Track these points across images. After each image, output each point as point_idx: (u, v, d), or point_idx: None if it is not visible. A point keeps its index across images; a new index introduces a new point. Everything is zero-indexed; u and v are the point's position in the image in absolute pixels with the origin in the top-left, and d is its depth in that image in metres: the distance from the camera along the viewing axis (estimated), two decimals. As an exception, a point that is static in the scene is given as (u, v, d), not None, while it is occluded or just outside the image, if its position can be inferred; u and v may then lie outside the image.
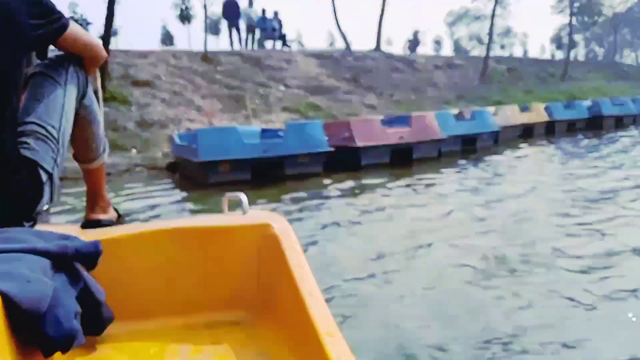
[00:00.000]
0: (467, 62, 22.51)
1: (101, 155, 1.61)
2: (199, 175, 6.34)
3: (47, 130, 1.29)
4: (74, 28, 1.36)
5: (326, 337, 0.94)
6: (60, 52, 1.43)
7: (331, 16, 19.77)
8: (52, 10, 1.27)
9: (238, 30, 16.94)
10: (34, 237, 1.00)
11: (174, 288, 1.32)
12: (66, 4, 17.19)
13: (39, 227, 1.26)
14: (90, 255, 1.05)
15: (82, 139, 1.53)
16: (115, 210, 1.73)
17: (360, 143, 7.18)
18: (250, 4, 17.41)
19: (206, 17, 14.24)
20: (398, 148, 7.52)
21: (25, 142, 1.24)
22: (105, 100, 10.25)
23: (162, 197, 5.88)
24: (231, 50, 16.33)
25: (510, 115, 10.61)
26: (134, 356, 1.14)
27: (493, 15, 21.97)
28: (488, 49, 21.90)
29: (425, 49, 26.72)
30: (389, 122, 7.96)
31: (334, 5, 19.49)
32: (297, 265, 1.18)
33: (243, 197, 1.41)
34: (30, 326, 0.83)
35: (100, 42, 1.55)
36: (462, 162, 7.83)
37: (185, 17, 16.00)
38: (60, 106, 1.35)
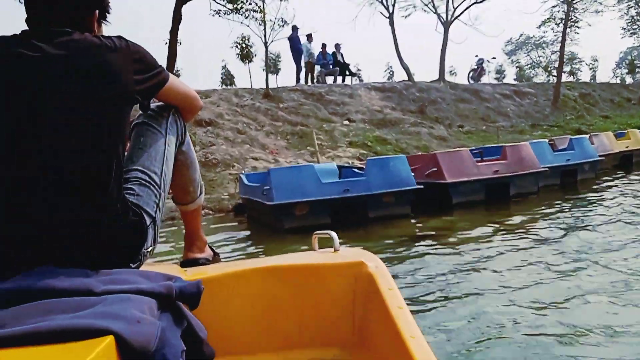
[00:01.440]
0: (535, 90, 21.30)
1: (198, 197, 1.71)
2: (272, 219, 5.65)
3: (149, 177, 1.39)
4: (173, 81, 1.43)
5: None
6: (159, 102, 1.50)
7: (388, 49, 19.18)
8: (154, 65, 1.34)
9: (299, 66, 16.60)
10: (140, 278, 1.06)
11: (271, 325, 1.34)
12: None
13: (142, 267, 1.32)
14: (193, 295, 1.09)
15: (180, 183, 1.64)
16: (211, 248, 1.83)
17: (450, 178, 6.31)
18: (309, 39, 17.08)
19: (267, 53, 13.91)
20: (493, 183, 6.59)
21: (131, 188, 1.33)
22: (168, 140, 9.89)
23: (230, 244, 5.22)
24: (292, 86, 15.94)
25: (607, 142, 9.44)
26: None
27: (563, 40, 20.74)
28: (559, 75, 20.62)
29: (487, 78, 25.66)
30: (478, 154, 7.05)
31: (395, 38, 18.91)
32: (395, 305, 1.16)
33: (334, 235, 1.43)
34: None
35: (196, 94, 1.59)
36: (566, 196, 6.78)
37: (245, 55, 15.76)
38: (161, 153, 1.45)
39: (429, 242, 4.76)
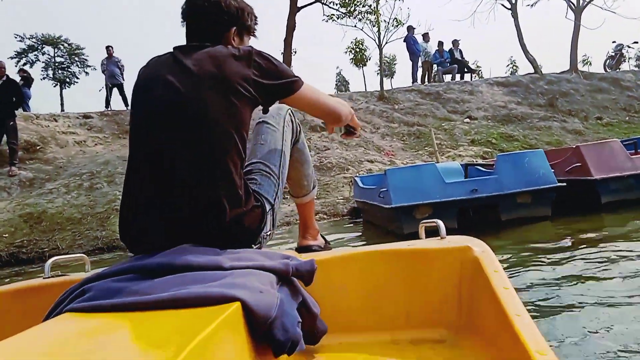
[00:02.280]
0: (689, 74, 18.56)
1: (312, 191, 1.91)
2: (391, 223, 5.17)
3: (270, 169, 1.57)
4: (302, 93, 1.50)
5: (538, 355, 0.91)
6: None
7: (511, 43, 17.76)
8: (282, 73, 1.45)
9: (416, 66, 15.97)
10: (262, 257, 1.18)
11: (380, 305, 1.40)
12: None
13: (266, 249, 1.39)
14: (308, 272, 1.20)
15: (295, 178, 1.84)
16: (323, 237, 2.00)
17: (598, 174, 5.39)
18: (426, 39, 16.37)
19: (381, 56, 13.48)
20: (653, 179, 5.54)
21: (254, 179, 1.53)
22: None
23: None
24: (408, 86, 15.34)
25: None
26: None
27: None
28: None
29: (626, 66, 22.95)
30: (631, 145, 5.99)
31: (518, 29, 17.50)
32: (500, 286, 1.17)
33: (440, 222, 1.45)
34: (263, 330, 0.95)
35: (336, 106, 1.64)
36: None
37: (359, 60, 15.46)
38: (280, 148, 1.64)
39: (572, 248, 4.00)
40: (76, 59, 38.53)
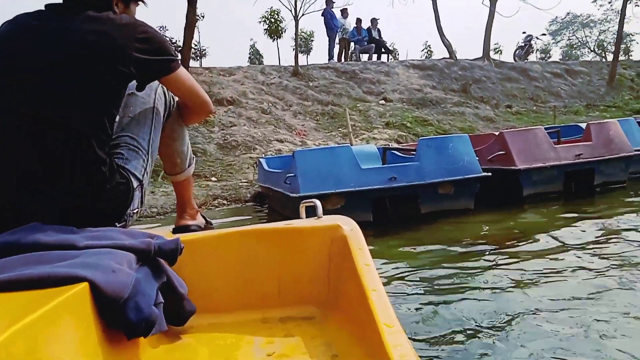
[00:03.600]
0: (588, 68, 19.46)
1: (187, 169, 1.80)
2: (298, 215, 4.45)
3: (138, 142, 1.48)
4: (181, 74, 1.46)
5: (385, 328, 0.95)
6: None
7: (427, 27, 17.54)
8: (163, 51, 1.38)
9: (332, 42, 15.27)
10: (123, 235, 1.13)
11: (251, 285, 1.40)
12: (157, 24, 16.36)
13: (133, 228, 1.39)
14: (172, 251, 1.13)
15: (167, 154, 1.75)
16: (204, 217, 1.91)
17: (522, 164, 4.97)
18: (344, 14, 15.72)
19: (297, 27, 12.64)
20: (574, 170, 5.23)
21: (120, 153, 1.43)
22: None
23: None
24: (324, 63, 14.65)
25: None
26: (214, 346, 1.21)
27: (622, 15, 18.80)
28: (617, 52, 18.74)
29: (533, 57, 23.77)
30: (554, 134, 5.67)
31: (436, 12, 17.32)
32: (363, 263, 1.21)
33: (317, 202, 1.50)
34: (114, 311, 0.91)
35: (207, 98, 1.63)
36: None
37: (274, 31, 14.51)
38: (149, 121, 1.54)
39: (495, 247, 3.51)
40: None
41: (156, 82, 1.53)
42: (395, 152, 5.51)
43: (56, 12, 1.29)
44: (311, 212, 1.52)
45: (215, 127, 9.02)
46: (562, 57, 31.84)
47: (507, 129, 12.46)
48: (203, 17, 13.76)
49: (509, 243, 3.62)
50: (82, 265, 0.91)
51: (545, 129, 5.61)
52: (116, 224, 1.35)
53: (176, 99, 1.69)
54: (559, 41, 38.90)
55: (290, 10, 12.60)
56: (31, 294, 0.81)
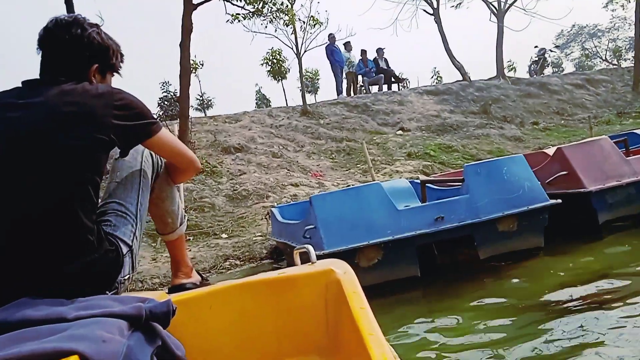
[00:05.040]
0: (609, 76, 18.53)
1: (178, 228, 1.80)
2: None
3: (126, 208, 1.47)
4: (163, 136, 1.45)
5: None
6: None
7: (433, 50, 16.87)
8: (142, 115, 1.39)
9: (339, 78, 14.61)
10: (113, 302, 1.10)
11: (250, 340, 1.37)
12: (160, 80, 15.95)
13: (127, 294, 1.34)
14: (164, 314, 1.09)
15: (157, 215, 1.75)
16: (199, 274, 1.91)
17: (591, 185, 4.02)
18: (348, 48, 15.13)
19: (300, 64, 11.99)
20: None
21: (107, 220, 1.42)
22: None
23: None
24: (333, 99, 13.95)
25: None
26: None
27: (638, 19, 17.95)
28: (637, 57, 17.80)
29: (546, 71, 22.92)
30: (621, 144, 4.71)
31: (442, 35, 16.67)
32: (358, 306, 1.20)
33: (310, 248, 1.46)
34: None
35: (194, 157, 1.64)
36: None
37: (277, 72, 13.90)
38: (137, 185, 1.54)
39: (578, 298, 2.57)
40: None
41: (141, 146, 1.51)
42: (431, 185, 4.61)
43: (33, 87, 1.31)
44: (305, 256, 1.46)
45: (223, 177, 8.22)
46: (576, 69, 30.99)
47: (539, 147, 11.54)
48: (202, 64, 13.22)
49: (593, 289, 2.68)
50: (70, 338, 0.89)
51: (612, 137, 4.68)
52: (107, 292, 1.33)
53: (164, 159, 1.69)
54: (568, 54, 38.21)
55: (292, 49, 11.98)
56: None
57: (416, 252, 3.39)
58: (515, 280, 3.22)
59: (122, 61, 1.54)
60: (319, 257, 3.13)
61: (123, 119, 1.31)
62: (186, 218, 1.87)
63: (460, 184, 3.75)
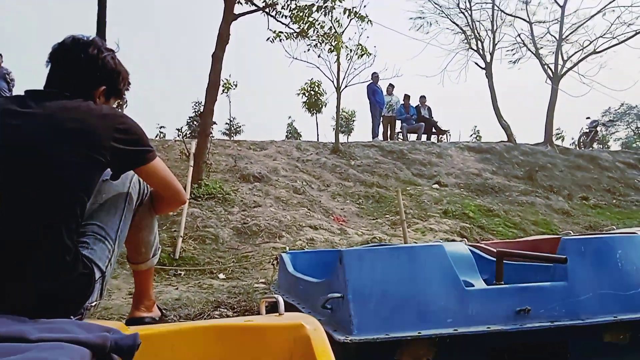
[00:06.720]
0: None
1: (150, 259, 1.78)
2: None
3: (105, 232, 1.45)
4: (155, 165, 1.46)
5: None
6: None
7: (477, 106, 15.96)
8: (140, 142, 1.40)
9: (377, 119, 13.73)
10: (78, 328, 1.06)
11: None
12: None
13: (89, 321, 1.26)
14: (129, 347, 1.06)
15: (133, 243, 1.71)
16: (160, 310, 1.87)
17: None
18: (389, 91, 14.30)
19: (339, 97, 11.13)
20: None
21: (86, 242, 1.39)
22: (196, 198, 7.01)
23: None
24: (368, 141, 13.01)
25: None
26: None
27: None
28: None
29: (595, 145, 21.73)
30: None
31: (492, 91, 15.75)
32: None
33: (279, 298, 1.40)
34: None
35: (181, 188, 1.62)
36: None
37: (313, 104, 13.07)
38: (120, 210, 1.52)
39: None
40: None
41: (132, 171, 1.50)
42: (486, 255, 3.49)
43: (36, 97, 1.30)
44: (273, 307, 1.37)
45: (235, 207, 7.21)
46: (622, 148, 29.69)
47: (590, 226, 10.31)
48: (236, 85, 12.46)
49: None
50: None
51: None
52: (72, 316, 1.28)
53: (151, 188, 1.67)
54: (612, 132, 36.99)
55: (332, 81, 11.13)
56: None
57: (485, 356, 2.26)
58: None
59: (127, 89, 1.57)
60: (344, 344, 2.09)
61: (122, 143, 1.33)
62: (159, 250, 1.85)
63: (549, 263, 2.64)
